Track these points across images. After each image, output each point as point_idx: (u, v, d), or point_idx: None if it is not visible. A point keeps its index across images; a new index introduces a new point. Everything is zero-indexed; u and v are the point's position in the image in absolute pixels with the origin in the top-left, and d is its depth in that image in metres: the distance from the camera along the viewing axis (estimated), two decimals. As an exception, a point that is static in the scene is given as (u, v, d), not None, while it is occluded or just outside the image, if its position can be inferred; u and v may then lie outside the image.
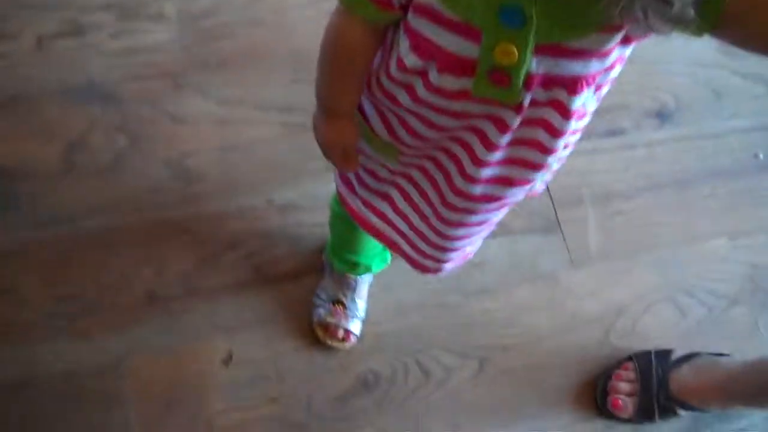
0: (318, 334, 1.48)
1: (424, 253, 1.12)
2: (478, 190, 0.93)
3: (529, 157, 0.88)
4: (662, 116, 1.81)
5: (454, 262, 1.15)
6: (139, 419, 1.40)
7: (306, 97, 1.63)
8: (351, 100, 0.94)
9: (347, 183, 1.13)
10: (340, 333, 1.47)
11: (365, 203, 1.12)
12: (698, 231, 1.71)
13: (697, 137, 1.81)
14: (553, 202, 1.67)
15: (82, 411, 1.39)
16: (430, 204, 1.02)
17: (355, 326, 1.48)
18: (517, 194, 0.97)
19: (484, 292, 1.58)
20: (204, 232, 1.53)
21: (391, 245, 1.15)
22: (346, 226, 1.31)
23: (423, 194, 1.02)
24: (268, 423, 1.43)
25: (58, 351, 1.42)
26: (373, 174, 1.06)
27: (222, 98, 1.63)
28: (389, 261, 1.47)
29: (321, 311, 1.47)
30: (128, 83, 1.62)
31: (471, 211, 0.99)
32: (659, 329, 1.60)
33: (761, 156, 1.81)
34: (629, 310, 1.61)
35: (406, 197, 1.05)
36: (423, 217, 1.05)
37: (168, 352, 1.45)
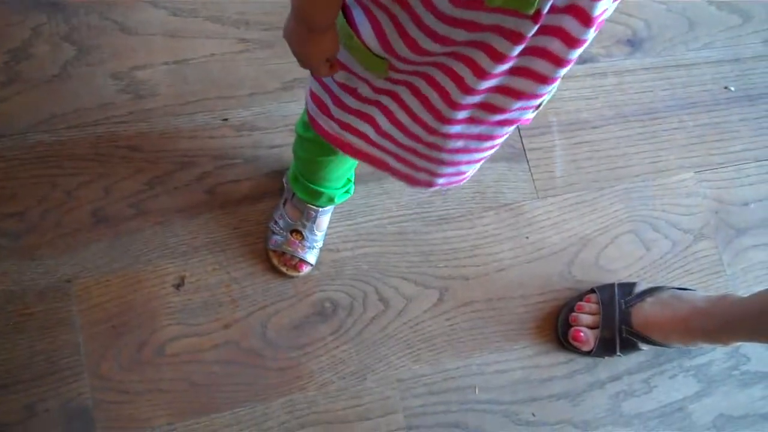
0: (272, 261, 1.43)
1: (416, 166, 1.04)
2: (477, 99, 0.86)
3: (539, 69, 0.81)
4: (633, 43, 1.76)
5: (447, 178, 1.06)
6: (88, 344, 1.35)
7: (264, 10, 1.57)
8: (334, 13, 0.85)
9: (320, 105, 1.04)
10: (294, 262, 1.42)
11: (342, 125, 1.03)
12: (665, 164, 1.68)
13: (667, 67, 1.76)
14: (519, 130, 1.62)
15: (27, 335, 1.33)
16: (422, 122, 0.93)
17: (311, 256, 1.43)
18: (521, 111, 0.90)
19: (446, 220, 1.53)
20: (155, 150, 1.45)
21: (375, 163, 1.07)
22: (312, 152, 1.24)
23: (410, 113, 0.93)
24: (221, 350, 1.39)
25: (2, 271, 1.35)
26: (353, 93, 0.96)
27: (175, 8, 1.54)
28: (353, 193, 1.41)
29: (277, 238, 1.42)
30: (76, -11, 1.53)
31: (472, 121, 0.91)
32: (623, 262, 1.58)
33: (732, 89, 1.77)
34: (593, 242, 1.59)
35: (391, 118, 0.96)
36: (412, 136, 0.97)
37: (117, 274, 1.39)
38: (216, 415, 1.36)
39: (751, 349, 1.59)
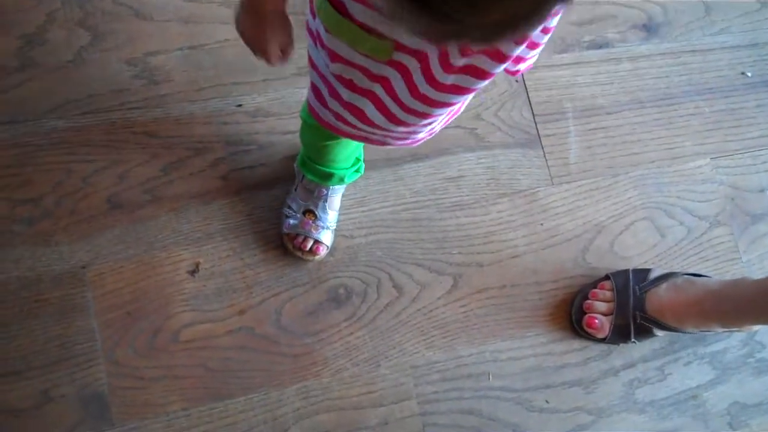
0: (287, 247, 1.43)
1: (400, 137, 1.04)
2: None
3: None
4: (649, 29, 1.74)
5: (426, 133, 1.06)
6: (103, 329, 1.35)
7: (280, -5, 1.56)
8: None
9: (318, 95, 1.04)
10: (309, 244, 1.41)
11: (337, 117, 1.04)
12: (681, 150, 1.67)
13: (683, 52, 1.75)
14: (534, 116, 1.61)
15: (42, 321, 1.34)
16: (407, 107, 0.93)
17: (326, 237, 1.43)
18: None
19: (460, 207, 1.53)
20: (169, 136, 1.45)
21: (363, 140, 1.08)
22: (317, 136, 1.24)
23: (398, 100, 0.93)
24: (235, 336, 1.39)
25: (16, 257, 1.36)
26: (349, 84, 0.95)
27: (190, -6, 1.54)
28: (363, 172, 1.41)
29: (291, 221, 1.42)
30: (89, -25, 1.52)
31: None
32: (637, 249, 1.57)
33: (749, 74, 1.76)
34: (607, 228, 1.58)
35: (380, 105, 0.97)
36: (395, 120, 0.97)
37: (132, 261, 1.39)
38: (230, 401, 1.36)
39: (766, 336, 1.58)
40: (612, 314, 1.46)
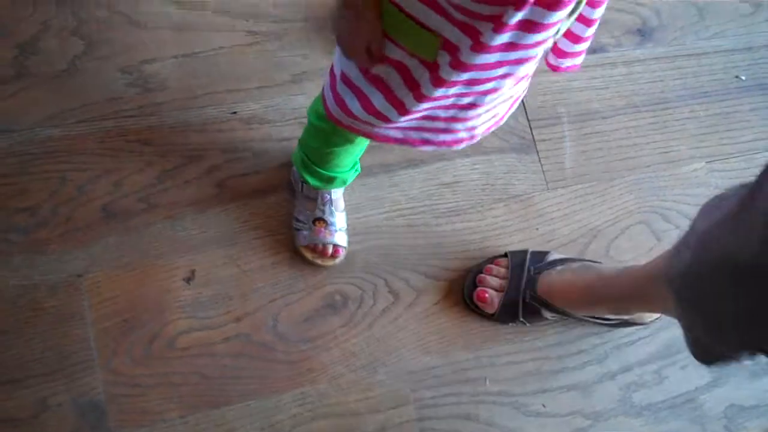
0: (307, 257, 1.43)
1: (451, 130, 1.04)
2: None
3: None
4: (643, 33, 1.75)
5: (485, 127, 1.06)
6: (99, 338, 1.35)
7: (273, 2, 1.57)
8: None
9: (342, 106, 1.03)
10: (329, 250, 1.42)
11: (364, 124, 1.04)
12: (676, 154, 1.67)
13: (678, 56, 1.75)
14: (529, 121, 1.61)
15: (39, 329, 1.34)
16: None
17: (341, 238, 1.43)
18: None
19: (456, 212, 1.53)
20: (164, 143, 1.45)
21: (409, 143, 1.07)
22: (326, 142, 1.24)
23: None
24: (232, 343, 1.39)
25: (13, 267, 1.36)
26: (385, 89, 0.95)
27: (184, 1, 1.54)
28: (360, 170, 1.41)
29: (304, 234, 1.42)
30: (84, -17, 1.52)
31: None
32: (633, 253, 1.57)
33: (743, 78, 1.76)
34: (603, 233, 1.58)
35: (419, 96, 0.96)
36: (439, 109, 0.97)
37: (128, 269, 1.39)
38: (227, 408, 1.36)
39: (762, 339, 1.58)
40: (503, 291, 1.46)
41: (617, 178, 1.62)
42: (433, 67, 0.89)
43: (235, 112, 1.50)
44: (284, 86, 1.53)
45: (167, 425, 1.34)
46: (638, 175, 1.63)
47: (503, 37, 0.84)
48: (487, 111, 1.02)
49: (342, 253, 1.44)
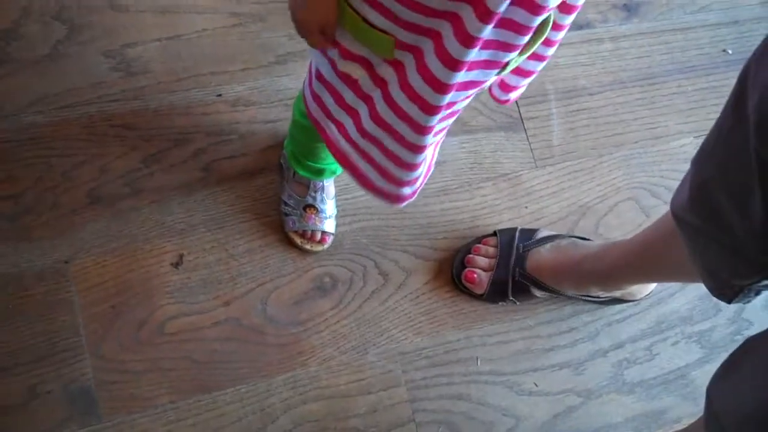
0: (295, 242, 1.42)
1: (395, 179, 1.03)
2: (463, 75, 0.86)
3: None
4: (629, 8, 1.74)
5: (420, 183, 1.07)
6: (87, 324, 1.34)
7: (257, -17, 1.55)
8: None
9: (318, 101, 1.03)
10: (318, 236, 1.42)
11: (337, 125, 1.03)
12: (664, 129, 1.67)
13: (664, 31, 1.74)
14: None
15: (27, 317, 1.33)
16: (405, 115, 0.93)
17: (330, 225, 1.43)
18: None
19: (445, 192, 1.52)
20: (149, 127, 1.44)
21: (361, 179, 1.06)
22: (312, 137, 1.23)
23: (395, 107, 0.93)
24: (221, 327, 1.38)
25: (-2, 254, 1.35)
26: (354, 85, 0.96)
27: (166, -16, 1.52)
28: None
29: (293, 219, 1.41)
30: (64, -33, 1.51)
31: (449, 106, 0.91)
32: (622, 230, 1.57)
33: (730, 51, 1.76)
34: (592, 210, 1.58)
35: (374, 114, 0.96)
36: (393, 132, 0.96)
37: (115, 254, 1.38)
38: (218, 393, 1.36)
39: (753, 314, 1.58)
40: (492, 270, 1.46)
41: (605, 154, 1.62)
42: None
43: (220, 95, 1.48)
44: (269, 67, 1.51)
45: (158, 411, 1.33)
46: (626, 152, 1.63)
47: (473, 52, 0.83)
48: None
49: (329, 240, 1.43)
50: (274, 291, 1.41)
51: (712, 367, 1.51)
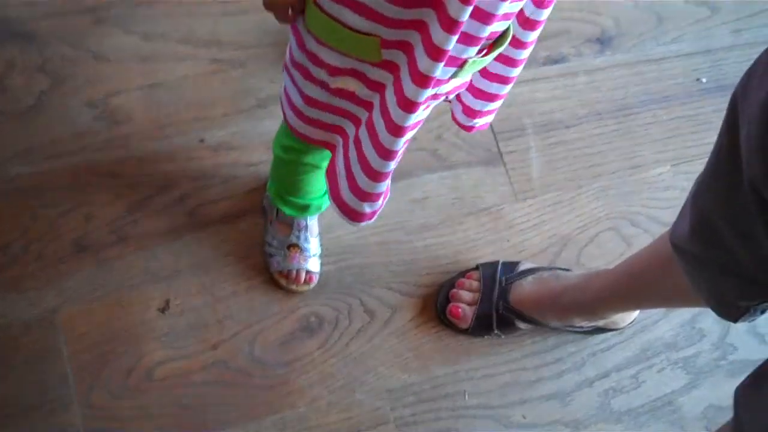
0: (280, 283, 1.44)
1: (362, 193, 1.04)
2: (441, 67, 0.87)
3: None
4: (603, 42, 1.77)
5: (381, 201, 1.07)
6: (77, 373, 1.35)
7: (236, 29, 1.59)
8: None
9: (319, 124, 1.05)
10: (302, 276, 1.43)
11: (344, 137, 1.05)
12: (641, 158, 1.70)
13: (638, 62, 1.78)
14: (494, 134, 1.63)
15: (15, 367, 1.34)
16: (390, 120, 0.94)
17: (314, 264, 1.44)
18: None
19: (427, 228, 1.54)
20: (133, 175, 1.46)
21: (334, 190, 1.08)
22: (293, 171, 1.25)
23: (384, 109, 0.95)
24: (209, 371, 1.39)
25: (-15, 305, 1.36)
26: (352, 97, 0.97)
27: (146, 33, 1.55)
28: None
29: (277, 260, 1.43)
30: (47, 20, 1.53)
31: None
32: (604, 259, 1.59)
33: (704, 80, 1.79)
34: (573, 240, 1.60)
35: (369, 121, 0.98)
36: (377, 144, 0.98)
37: (102, 302, 1.40)
38: (208, 436, 1.36)
39: (737, 338, 1.60)
40: (476, 304, 1.47)
41: (584, 185, 1.64)
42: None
43: (202, 140, 1.51)
44: (250, 111, 1.54)
45: (148, 456, 1.34)
46: (605, 182, 1.65)
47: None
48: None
49: (315, 280, 1.45)
50: (260, 333, 1.42)
51: (699, 393, 1.54)
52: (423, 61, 0.86)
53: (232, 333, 1.41)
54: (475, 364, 1.48)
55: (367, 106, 0.98)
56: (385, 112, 0.94)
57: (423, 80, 0.87)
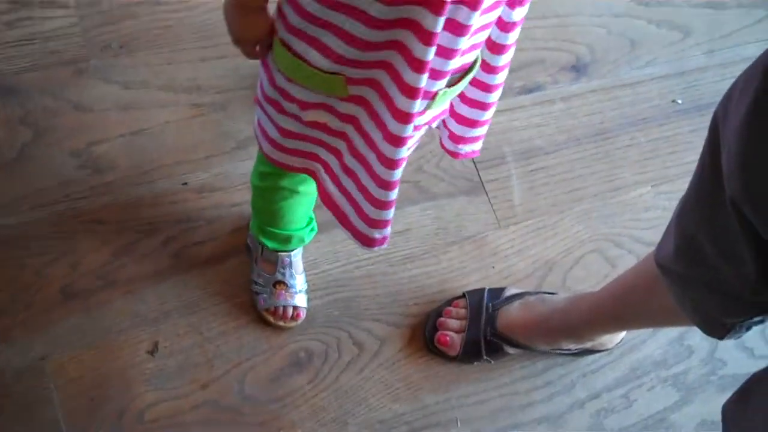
0: (268, 320, 1.45)
1: (370, 220, 1.07)
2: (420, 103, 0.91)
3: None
4: (578, 69, 1.80)
5: (390, 227, 1.10)
6: (68, 419, 1.35)
7: (214, 74, 1.61)
8: None
9: (298, 153, 1.08)
10: (290, 312, 1.44)
11: (324, 166, 1.08)
12: (621, 181, 1.72)
13: (614, 87, 1.81)
14: (475, 164, 1.65)
15: (6, 416, 1.34)
16: (377, 150, 0.97)
17: (301, 300, 1.45)
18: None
19: (411, 259, 1.56)
20: (118, 221, 1.48)
21: (341, 216, 1.10)
22: (271, 200, 1.28)
23: (369, 139, 0.98)
24: (200, 411, 1.39)
25: (-25, 357, 1.37)
26: (324, 128, 1.01)
27: (126, 82, 1.58)
28: (317, 229, 1.44)
29: (264, 297, 1.44)
30: (28, 73, 1.56)
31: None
32: (589, 282, 1.60)
33: (680, 101, 1.82)
34: (558, 264, 1.61)
35: (352, 148, 1.01)
36: (370, 168, 1.01)
37: (91, 348, 1.40)
38: (201, 476, 1.36)
39: (726, 353, 1.60)
40: (464, 332, 1.48)
41: (566, 210, 1.66)
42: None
43: (185, 183, 1.53)
44: (231, 153, 1.56)
45: (142, 499, 1.34)
46: (586, 206, 1.67)
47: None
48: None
49: (303, 315, 1.46)
50: (250, 370, 1.43)
51: (691, 409, 1.54)
52: (399, 100, 0.90)
53: (222, 372, 1.42)
54: (466, 391, 1.49)
55: (341, 135, 1.02)
56: (374, 148, 0.97)
57: (403, 117, 0.91)
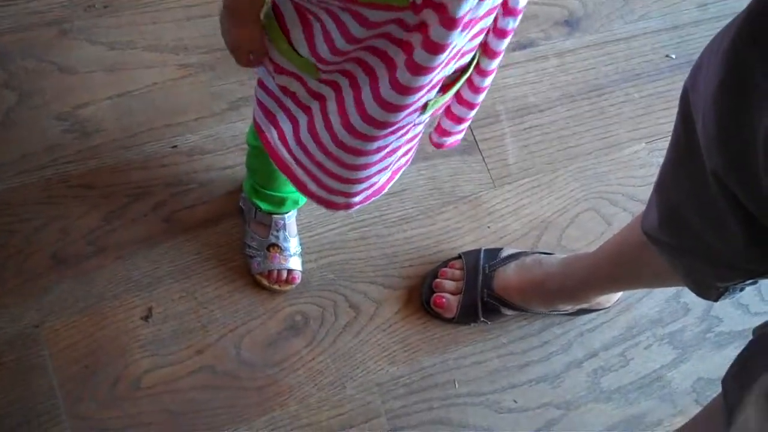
0: (263, 283, 1.43)
1: (330, 189, 1.07)
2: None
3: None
4: (571, 24, 1.77)
5: (363, 196, 1.09)
6: (63, 386, 1.34)
7: (201, 33, 1.58)
8: (256, 9, 0.91)
9: (266, 112, 1.06)
10: (284, 275, 1.43)
11: (279, 132, 1.06)
12: (616, 138, 1.70)
13: (607, 42, 1.78)
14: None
15: (2, 384, 1.33)
16: (334, 135, 0.97)
17: (295, 263, 1.44)
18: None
19: (406, 220, 1.54)
20: (107, 185, 1.45)
21: (299, 185, 1.10)
22: (267, 159, 1.25)
23: (327, 122, 0.97)
24: (196, 376, 1.38)
25: (-34, 325, 1.35)
26: (293, 97, 1.00)
27: (111, 42, 1.54)
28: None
29: (258, 261, 1.43)
30: (9, 35, 1.51)
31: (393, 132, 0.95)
32: (585, 240, 1.59)
33: (673, 56, 1.79)
34: (554, 223, 1.60)
35: (311, 127, 0.99)
36: (325, 148, 1.00)
37: (85, 314, 1.38)
38: (199, 442, 1.36)
39: (721, 310, 1.60)
40: (460, 293, 1.47)
41: (561, 168, 1.64)
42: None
43: (175, 146, 1.50)
44: (222, 115, 1.53)
45: (140, 466, 1.33)
46: (581, 163, 1.66)
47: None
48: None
49: (298, 278, 1.44)
50: (246, 335, 1.42)
51: (687, 367, 1.54)
52: (371, 107, 0.89)
53: (218, 337, 1.41)
54: (463, 352, 1.48)
55: (306, 111, 1.00)
56: (331, 131, 0.97)
57: (374, 122, 0.91)
